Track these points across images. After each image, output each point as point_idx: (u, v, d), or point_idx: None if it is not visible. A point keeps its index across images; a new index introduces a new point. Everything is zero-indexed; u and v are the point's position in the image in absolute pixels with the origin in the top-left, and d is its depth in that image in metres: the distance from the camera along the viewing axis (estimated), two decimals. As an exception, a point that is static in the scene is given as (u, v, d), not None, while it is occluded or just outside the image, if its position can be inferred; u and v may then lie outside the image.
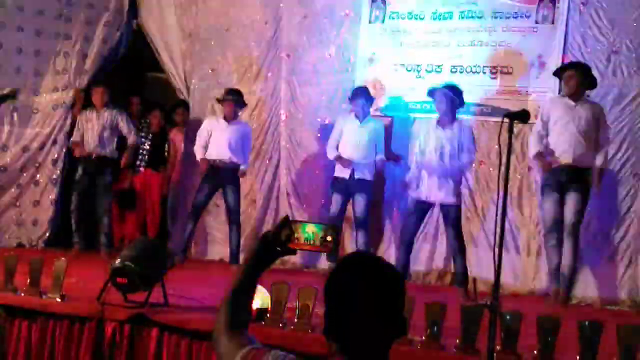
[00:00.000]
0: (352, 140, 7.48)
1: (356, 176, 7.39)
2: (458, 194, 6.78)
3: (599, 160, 6.32)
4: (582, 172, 6.28)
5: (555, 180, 6.30)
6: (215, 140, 7.84)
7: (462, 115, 7.00)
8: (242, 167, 7.85)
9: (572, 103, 6.34)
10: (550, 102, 6.58)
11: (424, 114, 7.53)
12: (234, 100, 7.81)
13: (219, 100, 8.04)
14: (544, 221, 6.43)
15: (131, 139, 8.24)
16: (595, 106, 6.41)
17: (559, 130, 6.32)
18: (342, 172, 7.49)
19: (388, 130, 7.78)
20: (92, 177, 8.11)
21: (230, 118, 7.84)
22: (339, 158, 7.47)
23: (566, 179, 6.26)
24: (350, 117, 7.58)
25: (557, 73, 6.58)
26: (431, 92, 6.89)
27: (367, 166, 7.45)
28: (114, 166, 8.24)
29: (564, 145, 6.28)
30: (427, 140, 6.85)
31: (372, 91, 7.67)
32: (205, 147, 7.87)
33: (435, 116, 6.91)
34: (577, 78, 6.34)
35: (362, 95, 7.46)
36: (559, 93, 6.79)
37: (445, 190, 6.70)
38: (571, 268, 6.16)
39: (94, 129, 8.11)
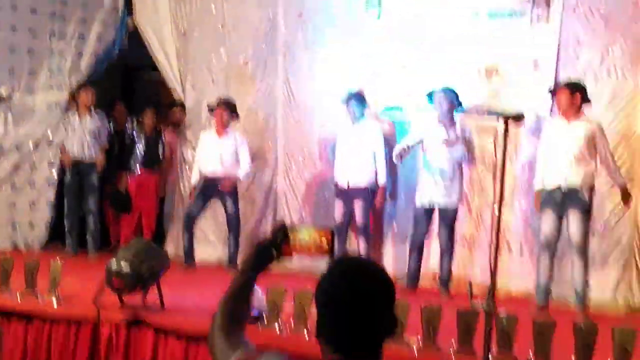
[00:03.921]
0: (345, 145, 7.40)
1: (351, 184, 7.31)
2: (459, 196, 6.83)
3: (619, 180, 6.23)
4: (577, 192, 6.11)
5: (552, 200, 6.16)
6: (208, 155, 7.89)
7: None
8: (241, 177, 7.87)
9: (566, 122, 6.17)
10: (547, 124, 6.38)
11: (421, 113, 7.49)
12: (225, 108, 7.78)
13: (210, 110, 8.02)
14: (540, 237, 6.26)
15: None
16: (591, 123, 6.18)
17: (552, 151, 6.19)
18: (340, 179, 7.41)
19: (391, 136, 7.68)
20: (80, 179, 8.31)
21: (221, 130, 7.83)
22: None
23: (561, 200, 6.13)
24: (346, 122, 7.49)
25: (552, 94, 6.41)
26: (430, 95, 6.93)
27: (363, 173, 7.29)
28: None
29: (557, 167, 6.14)
30: (429, 142, 6.93)
31: (368, 91, 7.59)
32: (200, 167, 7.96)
33: (432, 116, 6.99)
34: (566, 95, 6.14)
35: (352, 99, 7.34)
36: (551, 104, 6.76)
37: (448, 192, 6.78)
38: (582, 285, 6.09)
39: (79, 135, 8.25)
